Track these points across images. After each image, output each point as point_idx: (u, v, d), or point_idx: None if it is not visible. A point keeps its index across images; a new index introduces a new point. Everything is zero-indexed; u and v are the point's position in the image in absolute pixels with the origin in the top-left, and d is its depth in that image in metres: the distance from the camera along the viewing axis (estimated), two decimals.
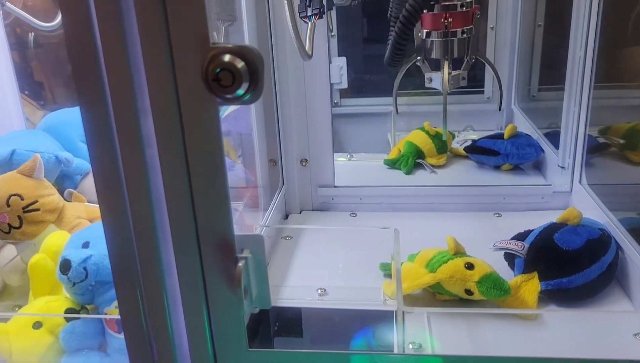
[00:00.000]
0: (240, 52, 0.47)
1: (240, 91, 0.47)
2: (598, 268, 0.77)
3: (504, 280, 0.76)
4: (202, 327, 0.57)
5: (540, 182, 1.11)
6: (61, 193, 0.91)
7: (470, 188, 1.10)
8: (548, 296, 0.78)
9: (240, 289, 0.53)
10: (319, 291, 0.81)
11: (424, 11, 0.70)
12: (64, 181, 0.98)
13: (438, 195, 1.08)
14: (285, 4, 0.77)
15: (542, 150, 1.16)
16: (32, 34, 1.31)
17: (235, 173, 1.02)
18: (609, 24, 0.90)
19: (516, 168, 1.17)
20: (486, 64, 0.92)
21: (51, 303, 0.69)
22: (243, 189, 1.00)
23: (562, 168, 1.05)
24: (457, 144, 1.30)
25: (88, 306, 0.70)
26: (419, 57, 0.73)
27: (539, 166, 1.18)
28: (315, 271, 0.88)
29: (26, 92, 1.28)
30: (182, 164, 0.51)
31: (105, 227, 0.54)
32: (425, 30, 0.72)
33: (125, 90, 0.49)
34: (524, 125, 1.30)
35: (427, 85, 0.75)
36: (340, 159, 1.28)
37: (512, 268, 0.83)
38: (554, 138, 1.11)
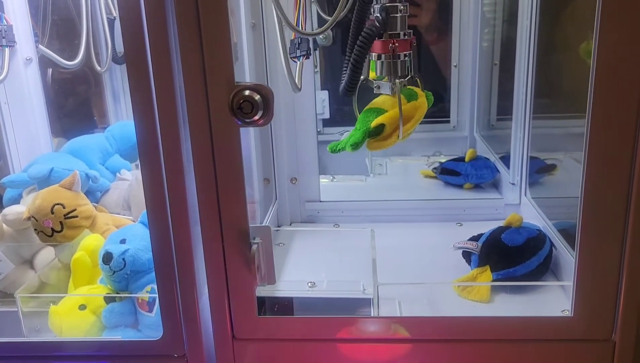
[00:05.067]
0: (256, 88, 0.65)
1: (257, 117, 0.64)
2: (537, 260, 0.94)
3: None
4: (223, 298, 0.72)
5: (495, 196, 1.28)
6: None
7: (437, 202, 1.27)
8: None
9: (253, 266, 0.69)
10: (309, 284, 0.96)
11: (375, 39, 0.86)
12: (86, 196, 1.13)
13: (409, 208, 1.25)
14: (280, 47, 0.93)
15: (498, 171, 1.34)
16: (50, 70, 1.46)
17: None
18: (544, 66, 1.10)
19: (477, 186, 1.35)
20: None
21: (93, 290, 0.84)
22: None
23: (513, 184, 1.23)
24: (427, 167, 1.48)
25: (122, 293, 0.85)
26: (365, 79, 0.87)
27: (496, 184, 1.36)
28: (305, 268, 1.03)
29: None
30: (211, 172, 0.68)
31: (150, 222, 0.70)
32: (374, 54, 0.87)
33: (171, 118, 0.66)
34: (484, 150, 1.47)
35: (375, 92, 0.88)
36: (324, 180, 1.41)
37: (469, 264, 1.00)
38: (508, 160, 1.27)
